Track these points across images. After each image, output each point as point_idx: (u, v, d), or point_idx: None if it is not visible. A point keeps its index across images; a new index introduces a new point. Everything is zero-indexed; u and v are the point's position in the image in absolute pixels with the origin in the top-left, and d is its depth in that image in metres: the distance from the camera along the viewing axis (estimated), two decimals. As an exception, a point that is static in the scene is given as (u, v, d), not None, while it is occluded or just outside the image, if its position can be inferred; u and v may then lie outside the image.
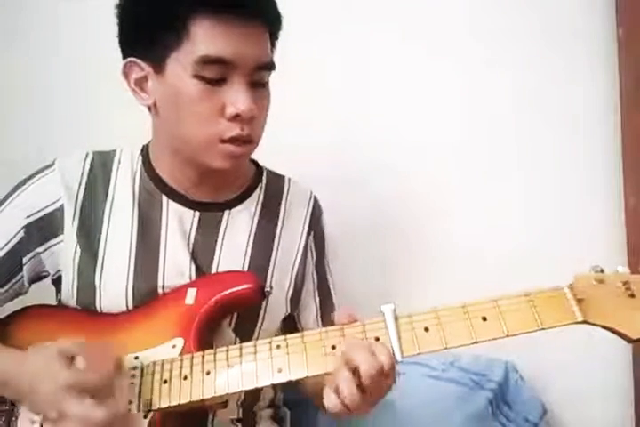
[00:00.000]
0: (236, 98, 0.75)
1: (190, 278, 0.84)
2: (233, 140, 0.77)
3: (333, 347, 0.69)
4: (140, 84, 0.80)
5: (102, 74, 1.26)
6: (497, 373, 1.13)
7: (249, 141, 0.79)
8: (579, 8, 1.26)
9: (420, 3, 1.29)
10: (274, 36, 0.83)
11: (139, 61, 0.79)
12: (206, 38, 0.74)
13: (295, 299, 0.93)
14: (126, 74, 0.80)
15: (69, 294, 0.84)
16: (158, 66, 0.77)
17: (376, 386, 0.65)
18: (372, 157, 1.30)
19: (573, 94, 1.26)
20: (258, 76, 0.78)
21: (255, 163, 0.97)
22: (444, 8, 1.28)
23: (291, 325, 0.95)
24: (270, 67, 0.81)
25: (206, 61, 0.74)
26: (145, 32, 0.77)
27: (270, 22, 0.80)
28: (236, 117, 0.76)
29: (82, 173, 0.86)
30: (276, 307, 0.90)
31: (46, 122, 1.37)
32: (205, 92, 0.75)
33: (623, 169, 1.23)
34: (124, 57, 0.80)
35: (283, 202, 0.95)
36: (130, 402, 0.72)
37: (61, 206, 0.84)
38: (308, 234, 0.95)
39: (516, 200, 1.29)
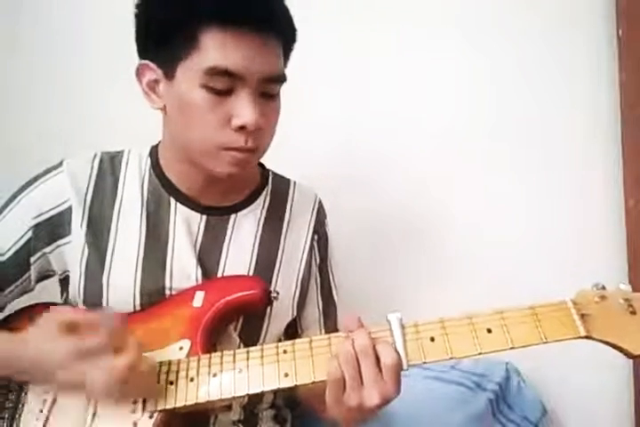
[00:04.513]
0: (242, 110, 0.74)
1: (196, 281, 0.84)
2: (236, 149, 0.77)
3: None
4: (153, 86, 0.80)
5: (100, 69, 1.27)
6: (497, 374, 1.13)
7: (253, 150, 0.79)
8: (579, 8, 1.26)
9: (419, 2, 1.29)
10: (287, 48, 0.81)
11: (151, 64, 0.78)
12: (215, 49, 0.73)
13: (300, 303, 0.93)
14: (139, 75, 0.80)
15: (76, 294, 0.84)
16: (169, 72, 0.77)
17: (371, 373, 0.65)
18: (376, 159, 1.30)
19: (573, 95, 1.26)
20: (267, 88, 0.77)
21: (261, 165, 0.97)
22: (444, 9, 1.28)
23: (293, 329, 0.95)
24: (281, 79, 0.79)
25: (214, 72, 0.73)
26: (157, 38, 0.77)
27: (283, 35, 0.79)
28: (241, 129, 0.75)
29: (90, 175, 0.86)
30: (282, 311, 0.90)
31: (46, 111, 1.36)
32: (212, 103, 0.75)
33: (623, 171, 1.23)
34: (140, 58, 0.80)
35: (288, 206, 0.95)
36: (135, 402, 0.72)
37: (70, 207, 0.84)
38: (313, 237, 0.95)
39: (516, 202, 1.29)
